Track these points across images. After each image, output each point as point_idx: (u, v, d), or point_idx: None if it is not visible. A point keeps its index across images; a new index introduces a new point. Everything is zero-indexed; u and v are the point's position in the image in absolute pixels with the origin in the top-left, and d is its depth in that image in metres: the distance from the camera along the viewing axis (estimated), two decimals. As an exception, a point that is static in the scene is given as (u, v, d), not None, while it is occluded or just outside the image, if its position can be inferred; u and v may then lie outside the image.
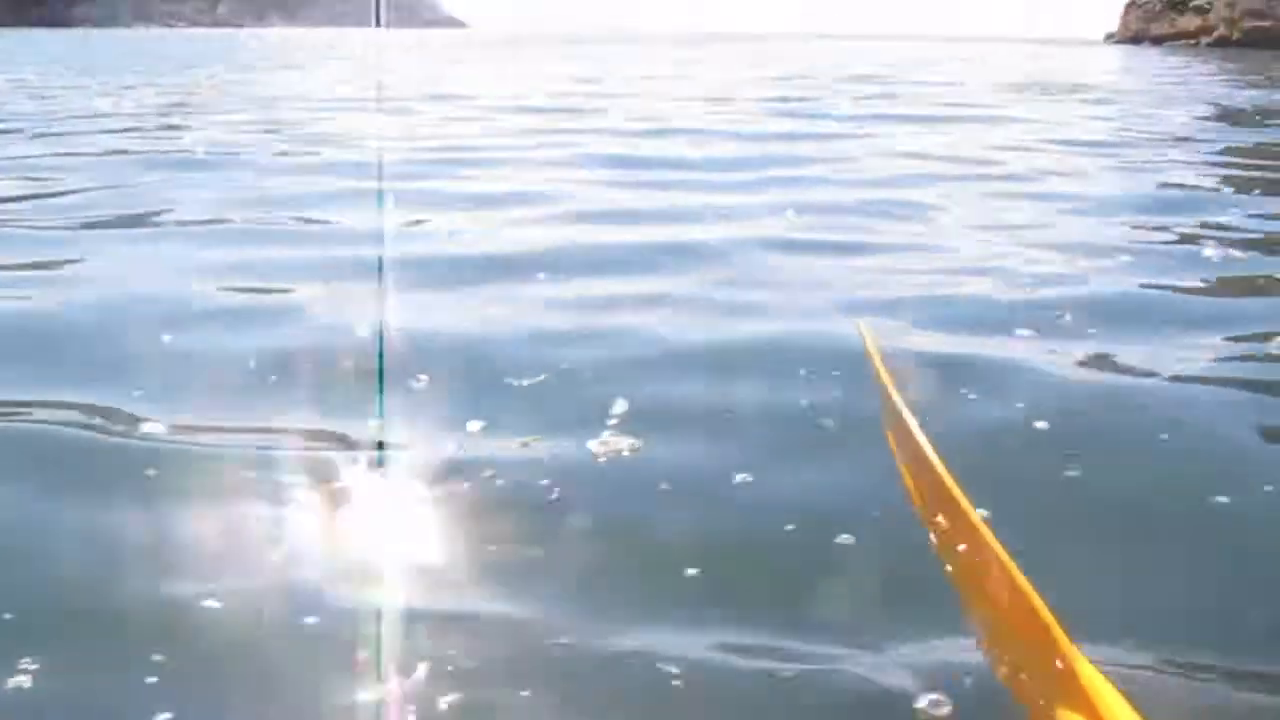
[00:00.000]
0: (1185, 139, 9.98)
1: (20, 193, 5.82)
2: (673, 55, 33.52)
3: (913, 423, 2.00)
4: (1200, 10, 78.80)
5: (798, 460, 2.29)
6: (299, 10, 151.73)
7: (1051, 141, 9.09)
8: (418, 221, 4.99)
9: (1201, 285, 3.96)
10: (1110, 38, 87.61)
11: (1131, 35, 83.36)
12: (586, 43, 57.09)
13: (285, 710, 1.47)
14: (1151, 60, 42.82)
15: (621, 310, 3.48)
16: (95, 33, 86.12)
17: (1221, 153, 8.72)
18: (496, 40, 69.96)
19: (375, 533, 1.99)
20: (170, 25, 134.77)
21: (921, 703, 1.44)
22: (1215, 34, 75.28)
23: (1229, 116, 12.76)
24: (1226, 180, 7.01)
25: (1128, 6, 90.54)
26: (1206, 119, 12.02)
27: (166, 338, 3.10)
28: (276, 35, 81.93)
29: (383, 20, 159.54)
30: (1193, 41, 75.06)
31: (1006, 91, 16.56)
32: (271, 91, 14.50)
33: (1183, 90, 17.91)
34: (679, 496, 2.11)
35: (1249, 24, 74.10)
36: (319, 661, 1.54)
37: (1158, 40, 78.60)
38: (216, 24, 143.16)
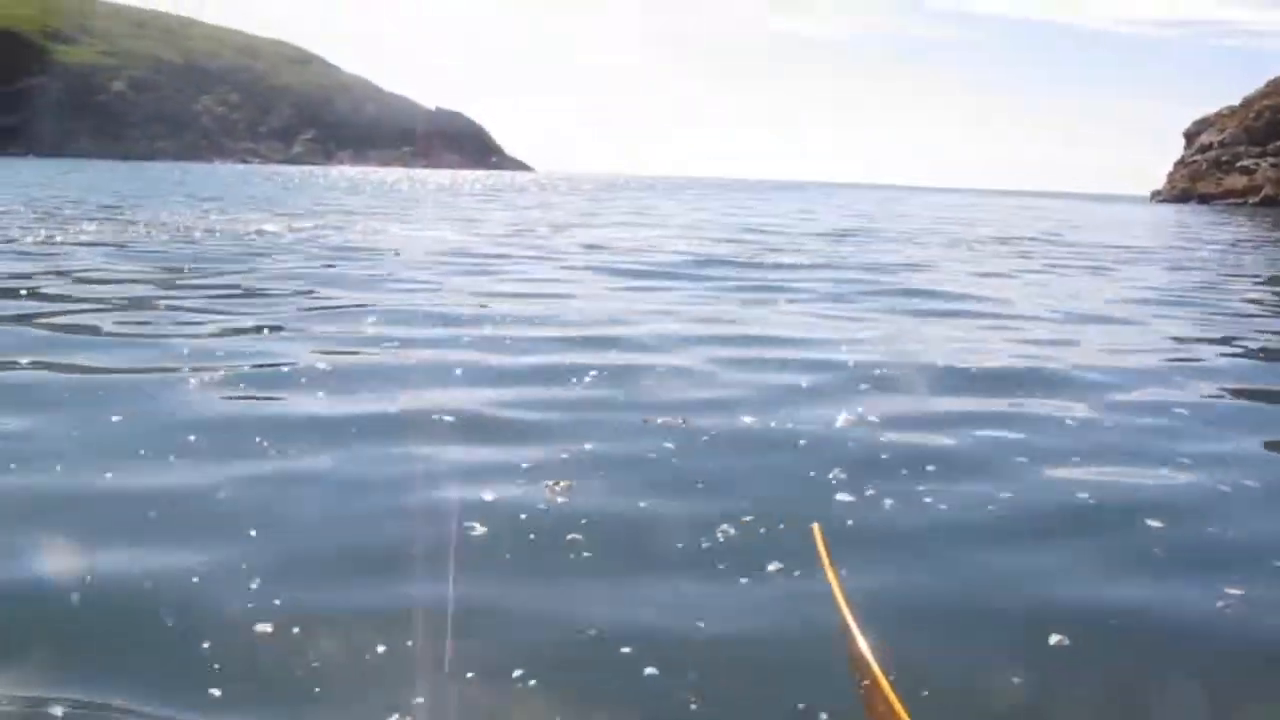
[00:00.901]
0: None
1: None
2: (679, 202, 34.24)
3: (860, 637, 2.15)
4: (1246, 170, 79.02)
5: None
6: (366, 150, 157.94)
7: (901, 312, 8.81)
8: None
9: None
10: (1156, 195, 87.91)
11: (1178, 194, 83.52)
12: (615, 188, 58.63)
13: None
14: (1175, 217, 42.79)
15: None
16: (188, 166, 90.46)
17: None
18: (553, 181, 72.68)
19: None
20: (246, 161, 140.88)
21: None
22: (1262, 193, 75.25)
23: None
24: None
25: (1176, 165, 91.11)
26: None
27: None
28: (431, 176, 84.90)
29: (446, 161, 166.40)
30: (1239, 200, 75.00)
31: (944, 247, 16.55)
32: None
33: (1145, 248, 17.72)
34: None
35: (1296, 185, 74.05)
36: None
37: (1205, 199, 78.60)
38: (290, 161, 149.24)
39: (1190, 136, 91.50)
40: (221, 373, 5.01)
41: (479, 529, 3.05)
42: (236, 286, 8.54)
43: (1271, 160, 77.78)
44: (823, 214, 29.96)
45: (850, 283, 10.25)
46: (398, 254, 12.09)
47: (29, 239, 12.42)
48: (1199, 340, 7.70)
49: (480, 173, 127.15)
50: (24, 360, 5.24)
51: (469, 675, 2.23)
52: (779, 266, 11.98)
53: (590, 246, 14.04)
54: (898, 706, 1.88)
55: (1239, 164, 79.92)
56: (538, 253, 12.82)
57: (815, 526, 2.94)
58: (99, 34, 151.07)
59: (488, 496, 3.34)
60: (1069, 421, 4.67)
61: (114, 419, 4.12)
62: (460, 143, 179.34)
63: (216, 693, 2.13)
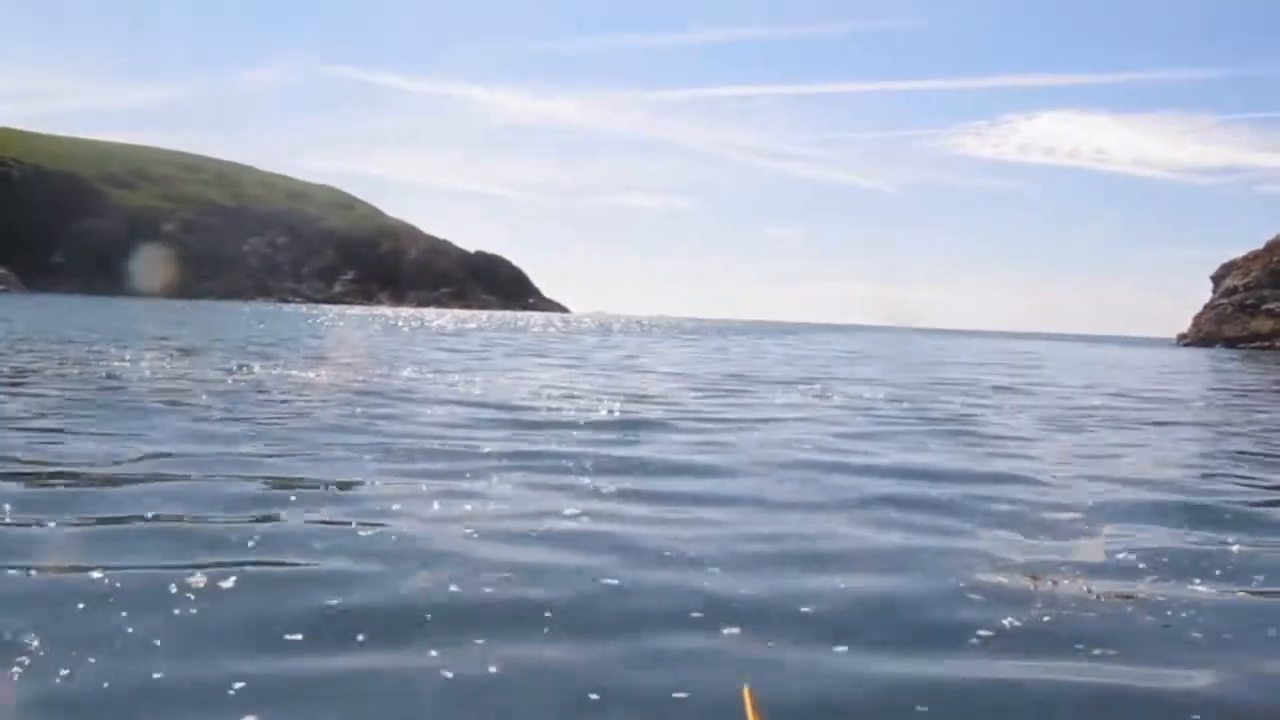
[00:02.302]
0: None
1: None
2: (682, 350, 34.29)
3: None
4: (1272, 314, 77.97)
5: None
6: (405, 291, 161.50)
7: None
8: None
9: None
10: (1183, 339, 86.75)
11: (1203, 337, 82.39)
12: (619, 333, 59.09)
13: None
14: (1174, 361, 41.85)
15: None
16: (230, 305, 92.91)
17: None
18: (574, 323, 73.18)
19: None
20: (287, 301, 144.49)
21: None
22: (1289, 337, 74.02)
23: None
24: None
25: (1204, 308, 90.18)
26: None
27: None
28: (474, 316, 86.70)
29: (484, 301, 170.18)
30: (1265, 344, 73.77)
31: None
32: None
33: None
34: None
35: (1323, 328, 72.80)
36: None
37: (1230, 343, 77.45)
38: (330, 300, 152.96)
39: (1217, 280, 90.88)
40: None
41: None
42: None
43: (1298, 303, 76.81)
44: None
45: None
46: None
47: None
48: None
49: (507, 313, 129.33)
50: None
51: None
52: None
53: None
54: None
55: (1264, 307, 78.98)
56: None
57: (746, 689, 2.83)
58: (155, 178, 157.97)
59: None
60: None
61: None
62: (497, 284, 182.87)
63: None
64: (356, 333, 29.91)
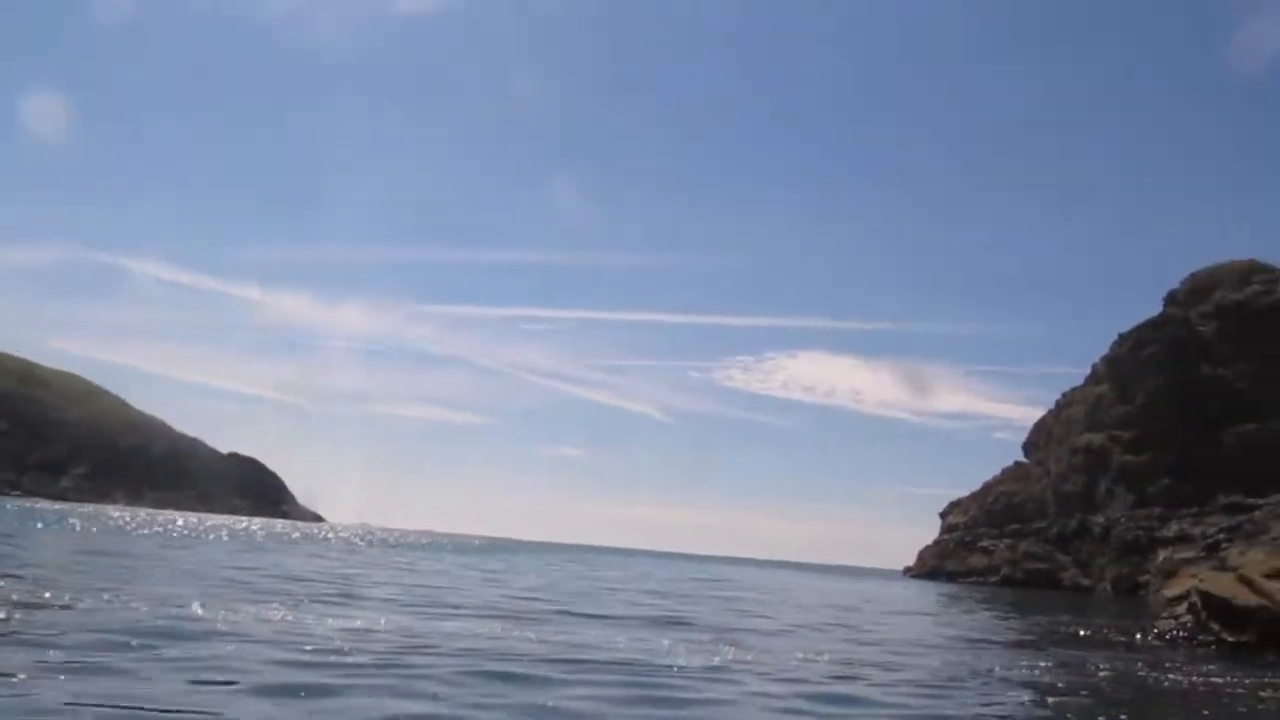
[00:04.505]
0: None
1: None
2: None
3: None
4: (987, 551, 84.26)
5: None
6: (143, 489, 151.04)
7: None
8: None
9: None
10: (909, 570, 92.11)
11: (927, 570, 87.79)
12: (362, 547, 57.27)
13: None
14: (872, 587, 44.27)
15: None
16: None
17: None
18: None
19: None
20: (6, 495, 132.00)
21: None
22: (1001, 573, 79.94)
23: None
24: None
25: (932, 542, 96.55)
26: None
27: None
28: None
29: (235, 507, 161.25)
30: (981, 579, 79.31)
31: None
32: None
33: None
34: None
35: (1029, 565, 79.22)
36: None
37: (951, 576, 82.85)
38: (55, 497, 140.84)
39: (943, 516, 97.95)
40: None
41: None
42: None
43: (1008, 541, 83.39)
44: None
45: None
46: None
47: None
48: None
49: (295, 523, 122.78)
50: None
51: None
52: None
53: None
54: None
55: (979, 544, 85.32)
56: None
57: None
58: None
59: None
60: None
61: None
62: (248, 489, 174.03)
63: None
64: None
